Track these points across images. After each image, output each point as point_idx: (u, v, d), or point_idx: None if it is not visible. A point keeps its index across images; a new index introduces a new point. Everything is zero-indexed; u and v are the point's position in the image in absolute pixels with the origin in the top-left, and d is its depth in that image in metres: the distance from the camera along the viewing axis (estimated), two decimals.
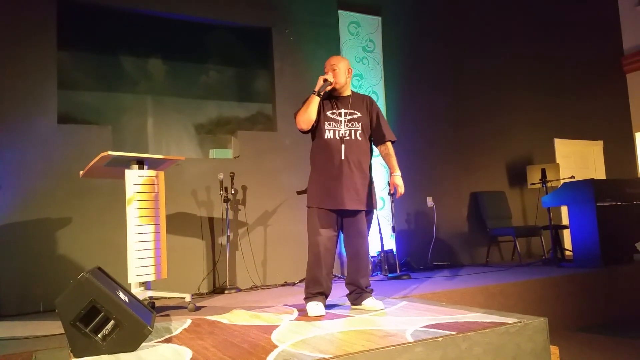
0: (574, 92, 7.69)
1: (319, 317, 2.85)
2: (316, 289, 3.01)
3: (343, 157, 3.03)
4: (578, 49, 7.84)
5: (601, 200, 4.98)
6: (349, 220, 3.09)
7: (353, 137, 3.09)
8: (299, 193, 4.81)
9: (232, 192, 4.80)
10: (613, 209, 5.05)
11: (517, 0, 7.36)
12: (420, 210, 6.09)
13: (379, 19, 6.11)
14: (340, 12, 5.87)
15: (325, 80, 3.06)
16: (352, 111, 3.14)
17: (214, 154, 5.49)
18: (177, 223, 4.67)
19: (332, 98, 3.17)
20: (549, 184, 6.04)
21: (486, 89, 6.88)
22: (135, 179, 3.40)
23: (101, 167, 3.45)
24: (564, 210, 7.02)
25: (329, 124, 3.09)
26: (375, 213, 3.30)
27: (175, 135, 5.38)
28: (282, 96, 5.45)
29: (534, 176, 6.38)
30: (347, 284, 3.15)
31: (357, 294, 3.09)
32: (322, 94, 3.07)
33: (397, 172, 3.18)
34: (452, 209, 6.36)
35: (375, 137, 3.24)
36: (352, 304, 3.13)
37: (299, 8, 5.68)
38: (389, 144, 3.25)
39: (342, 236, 3.20)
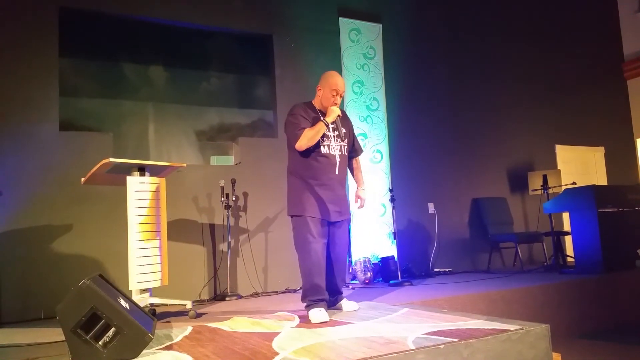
0: (575, 98, 7.70)
1: (322, 324, 2.84)
2: (317, 296, 3.04)
3: (337, 172, 3.23)
4: (579, 55, 7.85)
5: (603, 207, 4.97)
6: (335, 230, 3.27)
7: (343, 153, 3.30)
8: None
9: (233, 198, 4.80)
10: (615, 215, 5.04)
11: (518, 7, 7.39)
12: (421, 217, 6.09)
13: (380, 26, 6.13)
14: (340, 19, 5.90)
15: (339, 116, 3.19)
16: (338, 127, 3.27)
17: (215, 160, 5.49)
18: (178, 230, 4.67)
19: (323, 114, 3.27)
20: (550, 190, 6.03)
21: (487, 96, 6.89)
22: (136, 186, 3.40)
23: (102, 173, 3.45)
24: (566, 216, 7.00)
25: (323, 140, 3.20)
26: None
27: (176, 141, 5.38)
28: (283, 103, 5.46)
29: (535, 182, 6.38)
30: (326, 289, 3.21)
31: (334, 297, 3.27)
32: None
33: (364, 187, 3.46)
34: (454, 215, 6.35)
35: (350, 150, 3.43)
36: (329, 307, 3.22)
37: (300, 15, 5.70)
38: (359, 158, 3.53)
39: None
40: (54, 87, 4.45)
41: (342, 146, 3.29)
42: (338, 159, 3.23)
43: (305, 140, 3.10)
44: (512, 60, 7.20)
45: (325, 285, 3.19)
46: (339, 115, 3.19)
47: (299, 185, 3.20)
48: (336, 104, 3.22)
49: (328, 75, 3.27)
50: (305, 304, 3.08)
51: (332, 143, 3.23)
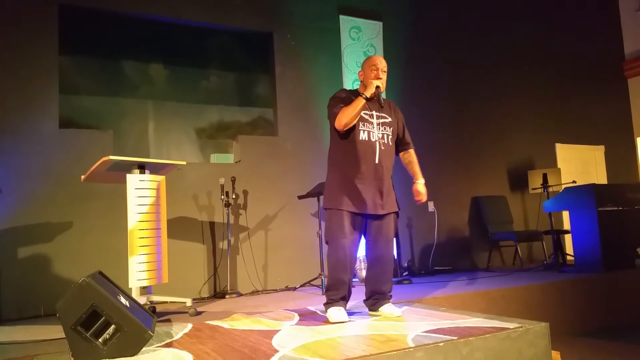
0: (575, 96, 7.69)
1: (324, 323, 2.80)
2: (339, 294, 2.91)
3: (377, 161, 2.97)
4: (579, 54, 7.85)
5: (602, 205, 4.97)
6: (377, 224, 3.00)
7: (387, 141, 3.04)
8: (300, 197, 4.81)
9: (233, 196, 4.80)
10: (614, 214, 5.04)
11: (518, 5, 7.38)
12: (421, 215, 6.08)
13: (380, 24, 6.12)
14: (341, 17, 5.89)
15: (378, 87, 2.98)
16: (383, 115, 3.07)
17: (215, 158, 5.49)
18: (178, 227, 4.67)
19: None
20: (550, 189, 6.03)
21: (487, 94, 6.89)
22: (136, 184, 3.40)
23: (102, 171, 3.45)
24: (566, 215, 7.01)
25: (364, 125, 2.98)
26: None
27: (176, 139, 5.38)
28: (283, 101, 5.46)
29: (535, 181, 6.38)
30: (367, 289, 3.08)
31: (375, 300, 3.02)
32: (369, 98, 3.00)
33: (422, 180, 3.16)
34: (454, 214, 6.35)
35: (399, 143, 3.20)
36: (370, 309, 3.06)
37: (300, 13, 5.70)
38: (412, 151, 3.25)
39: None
40: (54, 84, 4.44)
41: (386, 134, 3.03)
42: (379, 146, 2.98)
43: (344, 117, 2.89)
44: (512, 58, 7.19)
45: (367, 286, 3.05)
46: (377, 88, 2.97)
47: (336, 175, 3.00)
48: (379, 78, 3.01)
49: (367, 58, 3.15)
50: (325, 300, 2.97)
51: (374, 129, 2.99)
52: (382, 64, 3.06)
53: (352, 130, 2.96)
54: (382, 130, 3.02)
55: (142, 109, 5.25)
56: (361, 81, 3.13)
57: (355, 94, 3.06)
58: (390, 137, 3.06)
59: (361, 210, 2.93)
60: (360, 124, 2.97)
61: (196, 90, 5.53)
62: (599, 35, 8.18)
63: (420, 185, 3.13)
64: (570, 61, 7.73)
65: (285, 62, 5.55)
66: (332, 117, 2.96)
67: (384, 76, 3.05)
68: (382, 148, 3.00)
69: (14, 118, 4.26)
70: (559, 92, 7.54)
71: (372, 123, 3.01)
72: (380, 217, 3.00)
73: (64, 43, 4.56)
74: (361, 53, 5.95)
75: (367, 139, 2.97)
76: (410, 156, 3.23)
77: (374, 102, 3.03)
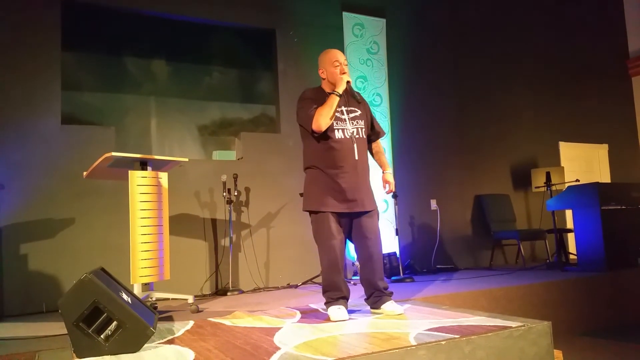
0: (579, 95, 7.66)
1: (326, 320, 2.80)
2: (337, 294, 2.90)
3: (357, 157, 2.95)
4: (583, 52, 7.81)
5: (606, 204, 4.96)
6: (362, 221, 2.98)
7: (361, 135, 3.01)
8: (302, 195, 4.80)
9: (235, 193, 4.80)
10: (618, 212, 5.03)
11: (522, 3, 7.35)
12: (423, 213, 6.08)
13: (384, 20, 6.10)
14: (344, 13, 5.87)
15: (348, 82, 2.94)
16: (352, 108, 3.05)
17: (217, 155, 5.48)
18: (180, 224, 4.67)
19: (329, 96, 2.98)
20: (553, 187, 6.01)
21: (491, 92, 6.87)
22: (138, 180, 3.40)
23: (105, 167, 3.45)
24: (569, 213, 6.99)
25: (337, 123, 2.95)
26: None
27: (178, 136, 5.38)
28: (285, 98, 5.45)
29: (538, 179, 6.36)
30: (365, 288, 3.06)
31: (377, 297, 2.99)
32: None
33: (390, 169, 3.19)
34: (456, 212, 6.34)
35: (369, 134, 3.18)
36: (372, 307, 3.04)
37: (303, 9, 5.68)
38: (379, 141, 3.26)
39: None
40: (57, 81, 4.44)
41: (359, 128, 3.01)
42: (356, 143, 2.96)
43: (321, 118, 2.84)
44: (516, 56, 7.16)
45: (364, 285, 3.03)
46: (348, 82, 2.94)
47: (316, 177, 2.96)
48: (344, 73, 2.98)
49: (324, 54, 3.09)
50: (324, 300, 2.96)
51: (347, 126, 2.97)
52: (342, 57, 3.05)
53: (327, 130, 2.92)
54: (354, 125, 3.01)
55: (144, 105, 5.25)
56: (323, 79, 3.08)
57: (320, 92, 3.01)
58: (363, 129, 3.05)
59: (348, 209, 2.92)
60: (334, 123, 2.95)
61: (198, 87, 5.52)
62: (604, 33, 8.14)
63: (388, 174, 3.15)
64: (574, 59, 7.70)
65: (287, 59, 5.54)
66: (308, 119, 2.90)
67: (347, 69, 3.04)
68: (358, 143, 2.99)
69: (16, 114, 4.26)
70: (562, 90, 7.51)
71: (344, 120, 2.99)
72: (365, 214, 2.99)
73: (67, 39, 4.56)
74: (364, 50, 5.93)
75: (342, 136, 2.95)
76: (378, 146, 3.26)
77: (342, 97, 2.98)
